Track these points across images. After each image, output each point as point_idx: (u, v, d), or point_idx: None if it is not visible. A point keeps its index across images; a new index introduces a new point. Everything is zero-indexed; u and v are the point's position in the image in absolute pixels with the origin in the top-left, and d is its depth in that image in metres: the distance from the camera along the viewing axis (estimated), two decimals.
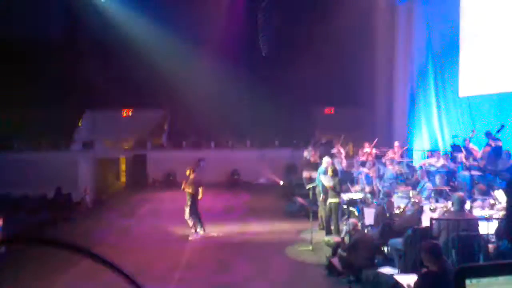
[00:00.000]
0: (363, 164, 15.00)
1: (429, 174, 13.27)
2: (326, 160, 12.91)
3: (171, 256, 10.63)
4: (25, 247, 10.69)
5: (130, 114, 25.48)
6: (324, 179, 11.66)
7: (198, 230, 12.15)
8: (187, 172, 12.35)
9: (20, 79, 22.16)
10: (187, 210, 12.05)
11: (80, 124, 24.33)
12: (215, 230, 12.44)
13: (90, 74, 23.99)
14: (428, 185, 11.47)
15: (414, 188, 11.68)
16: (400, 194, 11.29)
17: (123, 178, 24.67)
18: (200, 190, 12.09)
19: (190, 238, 11.93)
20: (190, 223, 12.08)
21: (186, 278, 9.17)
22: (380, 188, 12.09)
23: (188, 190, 12.07)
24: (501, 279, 1.39)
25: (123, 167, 24.57)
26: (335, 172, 11.61)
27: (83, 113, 24.64)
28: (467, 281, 1.36)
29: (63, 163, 20.76)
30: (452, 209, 8.17)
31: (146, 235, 12.55)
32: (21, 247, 10.60)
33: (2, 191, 19.49)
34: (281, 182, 20.45)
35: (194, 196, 12.03)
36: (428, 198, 10.75)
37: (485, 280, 1.37)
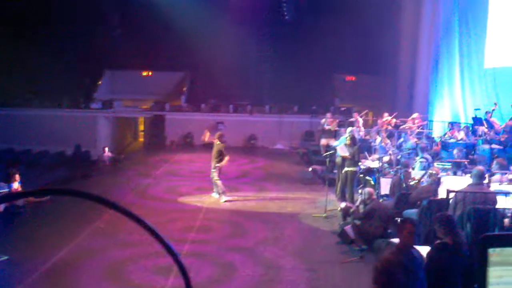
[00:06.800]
0: (380, 133, 14.82)
1: (448, 147, 13.10)
2: (349, 129, 12.70)
3: (186, 218, 10.71)
4: (42, 203, 10.90)
5: (150, 74, 25.47)
6: (340, 149, 11.45)
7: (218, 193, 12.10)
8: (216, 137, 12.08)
9: (42, 39, 22.23)
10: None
11: (99, 83, 24.42)
12: (230, 195, 12.45)
13: (111, 34, 23.94)
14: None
15: (432, 159, 11.51)
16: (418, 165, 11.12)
17: (141, 138, 24.86)
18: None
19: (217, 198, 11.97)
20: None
21: (200, 240, 9.25)
22: (397, 158, 11.96)
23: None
24: None
25: (141, 127, 24.74)
26: (353, 141, 11.41)
27: (103, 73, 24.69)
28: (490, 250, 1.32)
29: (82, 121, 20.98)
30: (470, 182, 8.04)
31: (162, 196, 12.66)
32: (39, 202, 10.80)
33: (22, 147, 19.81)
34: (298, 149, 20.39)
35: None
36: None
37: (509, 250, 1.33)
